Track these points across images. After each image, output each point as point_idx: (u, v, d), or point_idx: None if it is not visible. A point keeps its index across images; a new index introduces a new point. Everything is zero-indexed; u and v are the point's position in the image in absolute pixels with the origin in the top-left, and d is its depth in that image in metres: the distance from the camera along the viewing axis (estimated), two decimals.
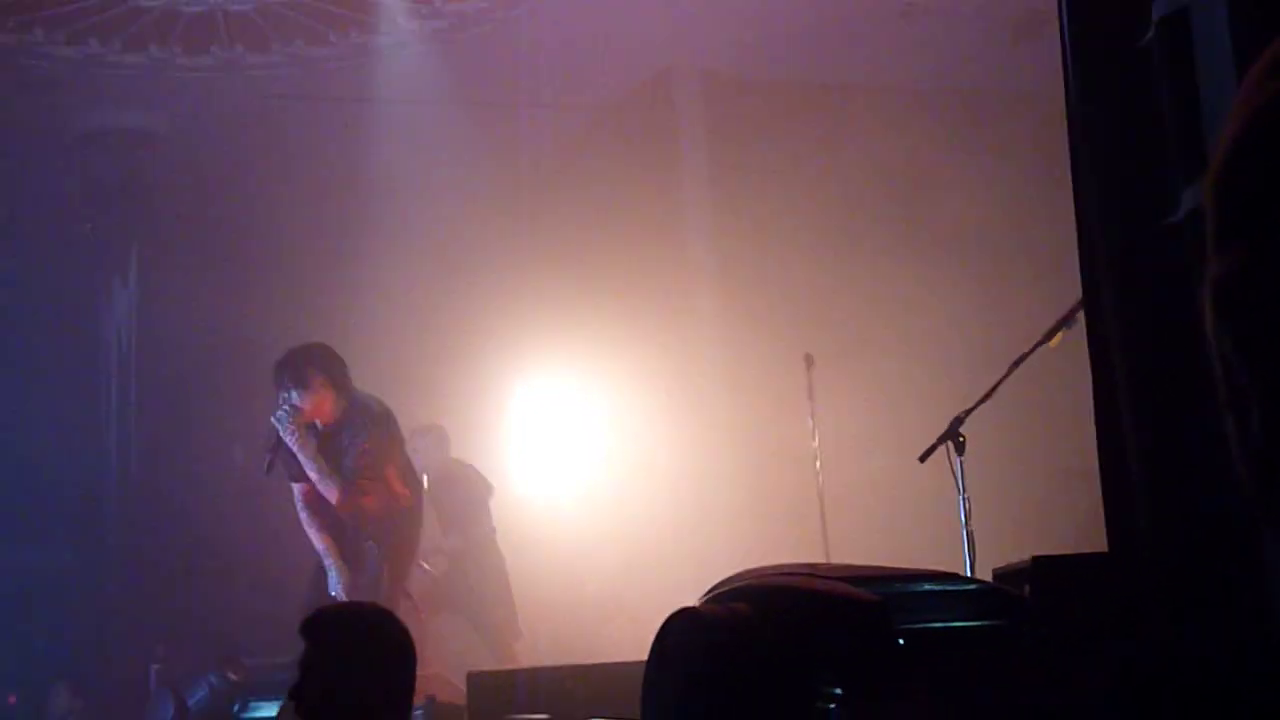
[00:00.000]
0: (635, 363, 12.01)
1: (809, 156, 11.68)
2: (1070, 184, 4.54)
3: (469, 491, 11.12)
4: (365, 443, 8.77)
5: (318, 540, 8.93)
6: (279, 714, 8.25)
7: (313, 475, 8.71)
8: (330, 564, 8.92)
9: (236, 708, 8.80)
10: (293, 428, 8.64)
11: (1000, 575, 4.43)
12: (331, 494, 8.72)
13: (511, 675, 8.06)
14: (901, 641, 3.01)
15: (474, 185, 12.37)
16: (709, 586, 3.70)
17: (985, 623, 3.24)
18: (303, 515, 8.99)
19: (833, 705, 2.88)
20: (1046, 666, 3.25)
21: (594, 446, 12.52)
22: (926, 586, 3.31)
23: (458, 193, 12.34)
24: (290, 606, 8.51)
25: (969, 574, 6.59)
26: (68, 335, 12.06)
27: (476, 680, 7.89)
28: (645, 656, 3.14)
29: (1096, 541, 4.48)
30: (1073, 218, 4.54)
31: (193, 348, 12.20)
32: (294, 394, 8.69)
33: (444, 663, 9.63)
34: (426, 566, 11.16)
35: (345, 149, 12.29)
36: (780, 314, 11.50)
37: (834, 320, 11.17)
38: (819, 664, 2.88)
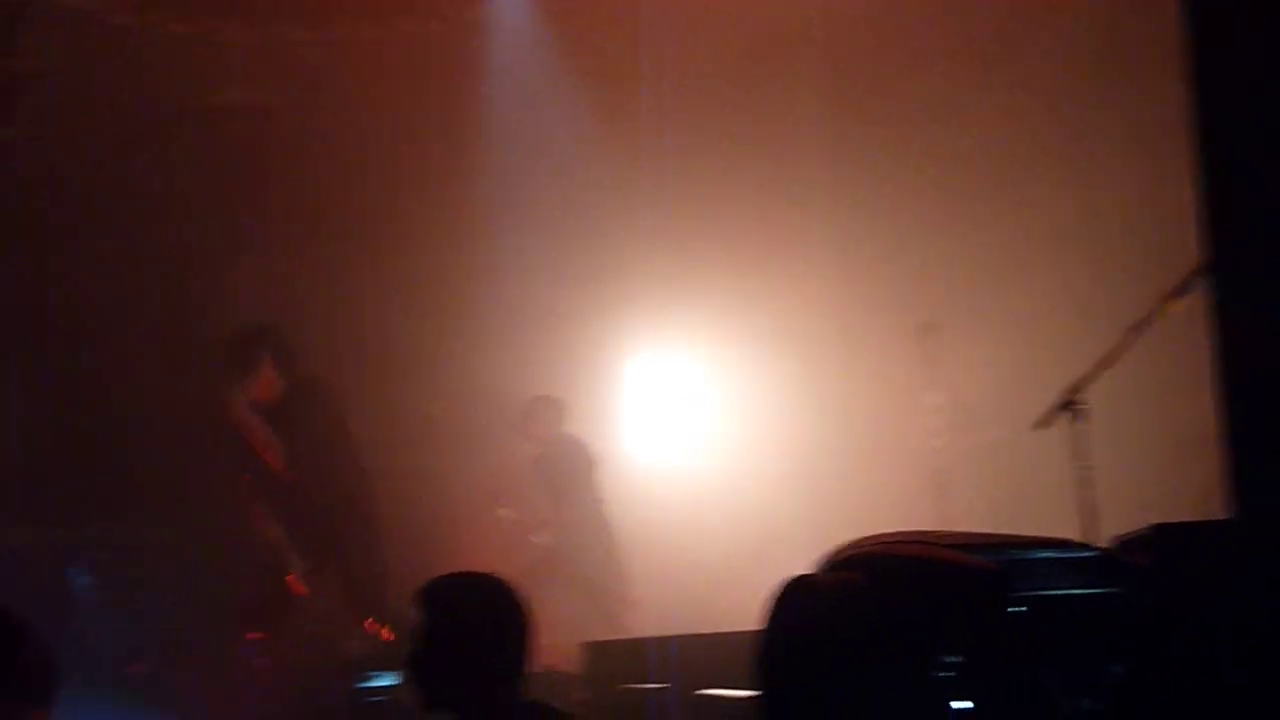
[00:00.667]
0: (748, 332, 11.98)
1: (926, 121, 11.58)
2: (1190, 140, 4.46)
3: (576, 463, 11.13)
4: (310, 419, 8.85)
5: (270, 531, 9.00)
6: (398, 684, 8.33)
7: (257, 445, 8.78)
8: (286, 553, 9.00)
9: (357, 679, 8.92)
10: (238, 403, 8.73)
11: (1120, 543, 4.38)
12: (277, 462, 8.81)
13: (626, 645, 8.08)
14: (1019, 609, 2.98)
15: (587, 157, 12.36)
16: (823, 554, 3.68)
17: (1104, 590, 3.20)
18: (253, 508, 9.07)
19: (950, 673, 2.86)
20: (1166, 634, 3.20)
21: (707, 416, 12.51)
22: (1044, 554, 3.27)
23: (571, 165, 12.34)
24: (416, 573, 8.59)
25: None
26: (188, 309, 12.18)
27: (592, 650, 7.92)
28: (759, 625, 3.13)
29: (1216, 511, 4.42)
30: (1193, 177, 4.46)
31: (311, 320, 12.29)
32: (240, 371, 8.79)
33: (558, 633, 9.67)
34: (538, 539, 11.20)
35: (460, 122, 12.32)
36: (897, 281, 11.43)
37: (953, 286, 11.08)
38: (936, 632, 2.85)
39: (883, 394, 11.39)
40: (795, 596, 3.03)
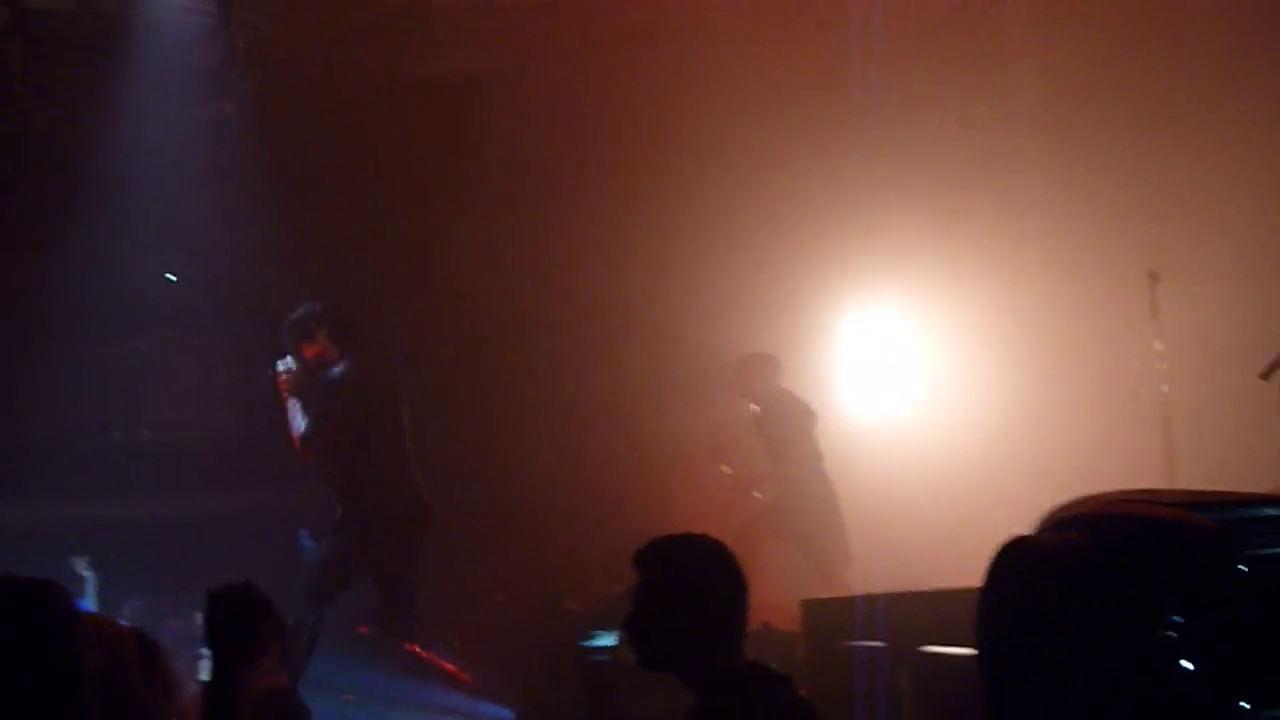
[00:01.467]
0: (966, 284, 11.86)
1: (1151, 60, 11.31)
2: None
3: (794, 419, 11.12)
4: (351, 401, 9.02)
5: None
6: (619, 644, 8.43)
7: (289, 418, 9.05)
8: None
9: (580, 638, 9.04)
10: (286, 376, 8.93)
11: None
12: (293, 439, 9.01)
13: (845, 602, 8.04)
14: (1244, 569, 2.90)
15: (798, 115, 12.29)
16: (1043, 512, 3.62)
17: None
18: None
19: (1174, 635, 2.81)
20: None
21: (926, 371, 12.42)
22: (1270, 511, 3.18)
23: (782, 124, 12.28)
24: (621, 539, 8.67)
25: None
26: (399, 275, 12.37)
27: (810, 607, 7.91)
28: (979, 585, 3.10)
29: None
30: None
31: (525, 285, 12.41)
32: (294, 346, 9.01)
33: (777, 590, 9.69)
34: (758, 495, 11.22)
35: (667, 85, 12.31)
36: (1119, 230, 11.22)
37: (1178, 234, 10.84)
38: (1158, 594, 2.80)
39: (1104, 345, 11.20)
40: (1015, 557, 3.00)
